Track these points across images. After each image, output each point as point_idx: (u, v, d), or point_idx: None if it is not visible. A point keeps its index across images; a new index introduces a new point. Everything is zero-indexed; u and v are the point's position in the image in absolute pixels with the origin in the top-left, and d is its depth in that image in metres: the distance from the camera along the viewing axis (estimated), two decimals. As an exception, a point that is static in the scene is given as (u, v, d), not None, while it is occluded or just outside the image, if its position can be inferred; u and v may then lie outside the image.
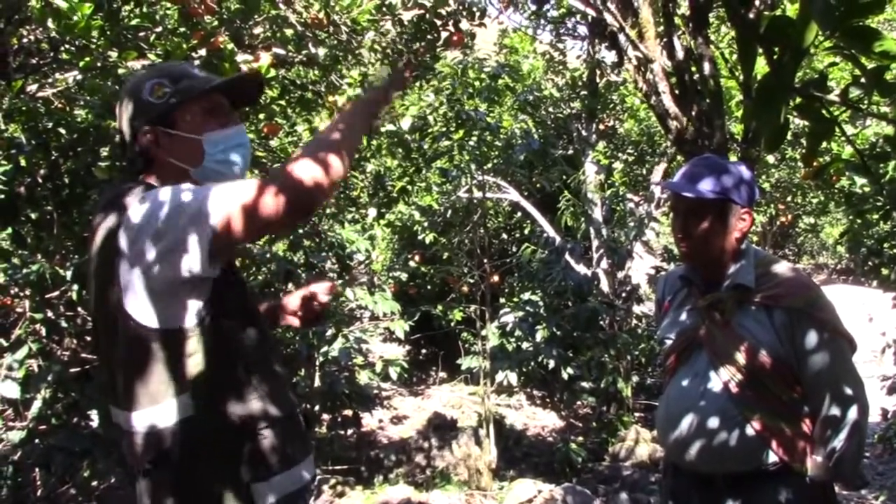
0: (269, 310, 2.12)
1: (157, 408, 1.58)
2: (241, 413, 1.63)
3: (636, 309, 9.63)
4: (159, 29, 3.79)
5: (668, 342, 2.34)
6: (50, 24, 3.21)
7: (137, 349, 1.58)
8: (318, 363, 6.17)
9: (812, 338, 2.06)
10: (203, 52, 3.50)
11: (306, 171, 1.53)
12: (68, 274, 3.25)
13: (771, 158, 10.12)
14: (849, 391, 2.04)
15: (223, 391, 1.62)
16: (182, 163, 1.73)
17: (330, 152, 1.58)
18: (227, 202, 1.51)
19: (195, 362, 1.58)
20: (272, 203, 1.50)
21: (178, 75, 1.76)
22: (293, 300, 2.13)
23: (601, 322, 8.71)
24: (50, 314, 3.46)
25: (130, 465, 1.66)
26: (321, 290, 2.11)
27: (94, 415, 3.51)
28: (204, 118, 1.76)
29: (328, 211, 6.97)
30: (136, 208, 1.57)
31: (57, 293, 3.48)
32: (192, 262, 1.52)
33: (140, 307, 1.56)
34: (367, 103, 1.87)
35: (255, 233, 1.57)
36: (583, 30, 10.40)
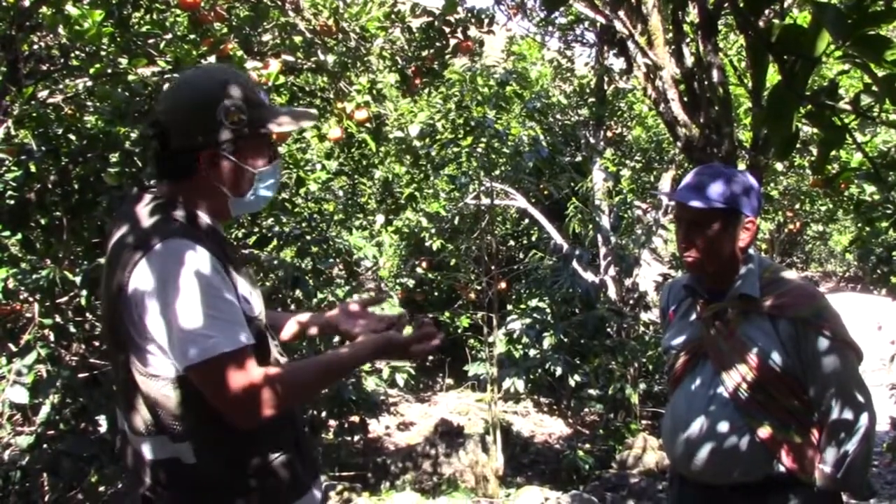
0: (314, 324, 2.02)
1: (159, 441, 1.59)
2: (243, 457, 1.62)
3: (644, 316, 9.59)
4: (169, 36, 3.81)
5: (674, 352, 2.33)
6: (61, 30, 3.24)
7: (136, 387, 1.60)
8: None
9: (818, 348, 2.05)
10: (213, 58, 3.51)
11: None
12: (77, 279, 3.26)
13: (779, 166, 10.05)
14: (856, 401, 2.03)
15: (222, 437, 1.60)
16: (229, 190, 1.69)
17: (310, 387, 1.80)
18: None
19: (188, 408, 1.58)
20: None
21: (254, 102, 1.69)
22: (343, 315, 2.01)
23: (609, 329, 8.69)
24: (59, 319, 3.47)
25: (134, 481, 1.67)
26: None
27: (102, 420, 3.51)
28: (259, 152, 1.72)
29: (337, 217, 6.97)
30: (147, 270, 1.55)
31: (66, 298, 3.49)
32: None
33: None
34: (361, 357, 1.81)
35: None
36: (591, 37, 10.38)
